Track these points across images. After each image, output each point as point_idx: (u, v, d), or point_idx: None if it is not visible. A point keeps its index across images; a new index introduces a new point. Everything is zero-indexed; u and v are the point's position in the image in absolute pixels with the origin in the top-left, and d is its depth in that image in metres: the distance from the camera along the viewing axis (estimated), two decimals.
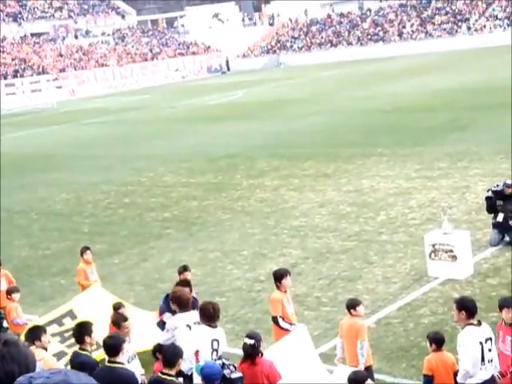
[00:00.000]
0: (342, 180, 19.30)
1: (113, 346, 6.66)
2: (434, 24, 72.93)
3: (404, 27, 74.48)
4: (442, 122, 26.61)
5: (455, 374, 6.98)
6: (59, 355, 8.35)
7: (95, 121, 41.91)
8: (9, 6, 76.54)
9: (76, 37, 78.06)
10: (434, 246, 11.68)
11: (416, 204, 16.10)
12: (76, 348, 7.37)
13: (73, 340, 7.99)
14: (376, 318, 10.36)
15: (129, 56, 75.16)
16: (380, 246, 13.52)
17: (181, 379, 6.82)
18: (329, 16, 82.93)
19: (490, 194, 13.13)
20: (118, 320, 7.72)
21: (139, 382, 6.79)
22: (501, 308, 7.30)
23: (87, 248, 11.61)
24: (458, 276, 11.43)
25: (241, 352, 7.03)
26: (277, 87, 51.02)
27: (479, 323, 6.98)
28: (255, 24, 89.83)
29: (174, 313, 8.10)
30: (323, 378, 7.55)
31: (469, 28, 70.19)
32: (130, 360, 7.30)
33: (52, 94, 61.34)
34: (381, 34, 75.00)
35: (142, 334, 9.10)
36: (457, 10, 72.93)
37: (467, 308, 6.98)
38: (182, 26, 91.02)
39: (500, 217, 12.82)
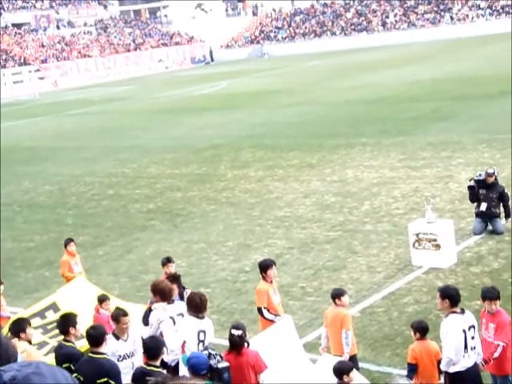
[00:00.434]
0: (326, 170, 19.34)
1: (96, 337, 6.65)
2: (417, 14, 73.10)
3: (387, 17, 74.59)
4: (426, 111, 26.72)
5: (439, 362, 7.04)
6: (41, 344, 8.33)
7: (78, 112, 41.64)
8: None
9: (58, 27, 77.39)
10: (417, 235, 11.75)
11: (400, 194, 16.17)
12: (58, 339, 7.35)
13: (55, 331, 7.97)
14: (360, 308, 10.41)
15: (112, 47, 74.66)
16: (364, 236, 13.58)
17: (165, 371, 6.81)
18: (312, 6, 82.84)
19: (472, 183, 13.21)
20: (118, 315, 7.50)
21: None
22: (483, 299, 7.37)
23: (71, 240, 11.57)
24: (442, 265, 11.51)
25: (226, 342, 7.05)
26: (261, 78, 50.93)
27: (462, 311, 7.04)
28: (239, 14, 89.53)
29: None
30: (307, 368, 7.59)
31: (452, 18, 70.43)
32: (120, 359, 7.16)
33: (34, 85, 60.86)
34: (364, 24, 75.06)
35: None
36: (440, 0, 73.11)
37: (450, 296, 7.04)
38: (165, 16, 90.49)
39: (483, 206, 12.91)
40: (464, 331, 6.93)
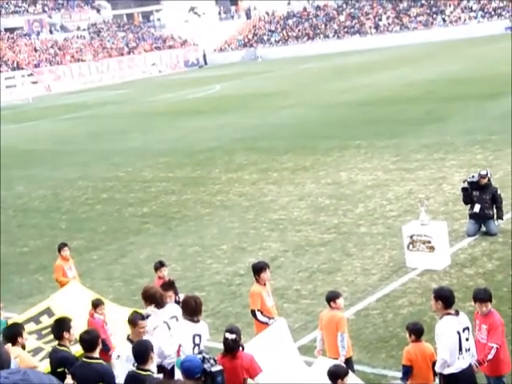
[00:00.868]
0: (320, 173, 19.35)
1: (89, 342, 6.63)
2: (409, 16, 73.31)
3: (380, 20, 74.78)
4: (419, 113, 26.77)
5: (434, 363, 7.05)
6: (36, 350, 8.30)
7: (72, 116, 41.58)
8: None
9: (51, 32, 77.29)
10: (411, 237, 11.77)
11: (394, 196, 16.20)
12: (53, 344, 7.32)
13: (50, 337, 7.94)
14: (355, 310, 10.42)
15: (105, 51, 74.62)
16: (359, 238, 13.59)
17: (161, 375, 6.80)
18: (305, 9, 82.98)
19: (465, 184, 13.23)
20: (135, 318, 7.24)
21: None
22: (475, 300, 7.38)
23: (65, 244, 11.53)
24: (436, 266, 11.53)
25: (221, 346, 7.03)
26: (254, 81, 50.98)
27: (457, 313, 7.05)
28: (232, 17, 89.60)
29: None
30: (302, 371, 7.58)
31: (444, 20, 70.66)
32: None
33: (28, 90, 60.75)
34: (357, 26, 75.23)
35: (122, 330, 9.06)
36: (432, 2, 73.36)
37: (444, 298, 7.05)
38: (158, 20, 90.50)
39: (476, 207, 12.93)
40: (458, 333, 6.93)
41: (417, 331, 7.15)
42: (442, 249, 11.67)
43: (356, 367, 8.16)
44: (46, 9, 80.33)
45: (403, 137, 22.61)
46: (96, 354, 6.63)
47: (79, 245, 15.21)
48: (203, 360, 6.30)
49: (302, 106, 33.47)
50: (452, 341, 6.90)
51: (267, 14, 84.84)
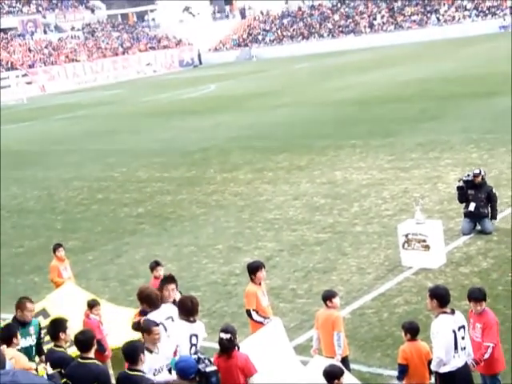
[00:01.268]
0: (315, 172, 19.36)
1: (84, 342, 6.61)
2: (404, 15, 73.42)
3: (374, 19, 74.86)
4: (414, 112, 26.82)
5: (429, 362, 7.06)
6: None
7: (66, 116, 41.51)
8: None
9: (45, 32, 77.14)
10: (407, 236, 11.78)
11: (389, 195, 16.21)
12: (50, 346, 7.29)
13: (46, 338, 7.91)
14: (351, 309, 10.42)
15: (99, 51, 74.51)
16: (354, 238, 13.60)
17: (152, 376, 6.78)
18: (300, 8, 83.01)
19: (461, 183, 13.26)
20: (149, 325, 6.97)
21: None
22: (469, 299, 7.39)
23: (60, 245, 11.50)
24: (431, 265, 11.54)
25: (217, 346, 7.03)
26: (249, 80, 50.98)
27: (453, 311, 7.06)
28: (226, 17, 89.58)
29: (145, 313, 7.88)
30: (298, 370, 7.58)
31: (438, 19, 70.78)
32: (156, 373, 6.79)
33: (22, 90, 60.62)
34: (352, 26, 75.29)
35: (118, 330, 9.06)
36: (426, 1, 73.48)
37: (439, 296, 7.07)
38: (153, 19, 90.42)
39: (471, 206, 12.96)
40: (454, 331, 6.94)
41: (412, 330, 7.15)
42: (437, 247, 11.68)
43: (352, 366, 8.17)
44: (40, 9, 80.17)
45: (398, 136, 22.64)
46: (91, 354, 6.61)
47: (74, 245, 15.19)
48: (198, 360, 6.29)
49: (297, 105, 33.48)
50: (447, 339, 6.91)
51: (262, 13, 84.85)
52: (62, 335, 7.07)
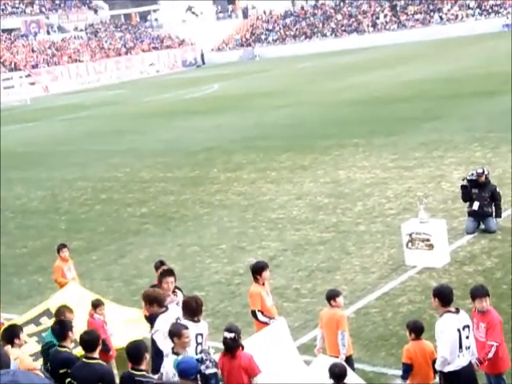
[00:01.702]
0: (318, 171, 19.35)
1: (90, 342, 6.62)
2: (407, 14, 73.32)
3: (377, 18, 74.78)
4: (417, 111, 26.78)
5: (434, 361, 7.05)
6: (37, 355, 8.26)
7: (70, 117, 41.56)
8: None
9: (48, 32, 77.21)
10: (410, 235, 11.77)
11: (392, 194, 16.20)
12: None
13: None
14: (355, 308, 10.42)
15: (102, 51, 74.55)
16: (358, 237, 13.60)
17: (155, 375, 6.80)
18: (302, 8, 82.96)
19: (465, 182, 13.24)
20: (180, 329, 6.87)
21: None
22: (473, 298, 7.38)
23: (64, 245, 11.52)
24: (435, 264, 11.53)
25: (221, 345, 7.03)
26: (252, 80, 50.97)
27: (457, 311, 7.05)
28: (229, 17, 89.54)
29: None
30: (301, 370, 7.58)
31: (441, 18, 70.66)
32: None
33: (25, 91, 60.67)
34: (355, 25, 75.22)
35: (122, 330, 9.06)
36: (429, 0, 73.35)
37: (440, 295, 7.08)
38: (156, 20, 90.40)
39: (475, 205, 12.94)
40: (458, 330, 6.94)
41: (417, 329, 7.15)
42: (441, 247, 11.68)
43: (356, 365, 8.17)
44: (44, 9, 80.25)
45: (401, 135, 22.62)
46: (96, 354, 6.63)
47: (78, 245, 15.20)
48: (201, 361, 6.30)
49: (300, 104, 33.47)
50: (452, 338, 6.90)
51: (265, 13, 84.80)
52: (70, 334, 7.09)
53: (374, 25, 74.03)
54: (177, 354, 6.74)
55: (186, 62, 78.21)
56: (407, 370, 7.11)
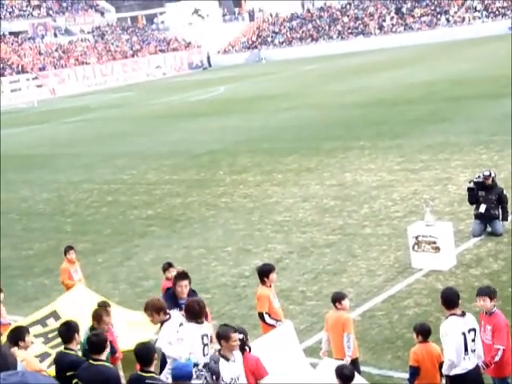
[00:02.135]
0: (324, 174, 19.34)
1: (98, 344, 6.62)
2: (413, 17, 73.24)
3: (384, 20, 74.72)
4: (423, 113, 26.74)
5: (441, 364, 7.02)
6: (43, 356, 8.28)
7: (76, 119, 41.66)
8: None
9: (55, 35, 77.43)
10: (417, 237, 11.74)
11: (399, 196, 16.17)
12: (60, 349, 7.29)
13: (57, 340, 7.91)
14: (361, 311, 10.40)
15: (109, 53, 74.73)
16: (364, 239, 13.57)
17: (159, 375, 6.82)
18: (308, 10, 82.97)
19: (471, 185, 13.21)
20: (227, 332, 6.72)
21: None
22: (478, 299, 7.37)
23: (71, 247, 11.54)
24: (442, 267, 11.50)
25: None
26: (258, 82, 50.99)
27: (463, 314, 7.03)
28: (236, 19, 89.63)
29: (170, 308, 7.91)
30: (307, 373, 7.57)
31: (448, 20, 70.56)
32: (232, 382, 6.57)
33: (32, 93, 60.87)
34: (361, 27, 75.18)
35: (127, 333, 9.07)
36: (436, 3, 73.27)
37: (444, 298, 7.07)
38: (162, 22, 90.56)
39: (482, 207, 12.90)
40: (464, 334, 6.91)
41: (424, 332, 7.13)
42: (447, 249, 11.64)
43: (362, 368, 8.15)
44: (51, 12, 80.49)
45: (407, 137, 22.59)
46: (103, 356, 6.62)
47: (84, 248, 15.22)
48: (204, 366, 6.34)
49: (306, 107, 33.45)
50: (457, 341, 6.87)
51: (271, 15, 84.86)
52: (76, 337, 7.09)
53: (381, 27, 73.96)
54: (224, 357, 6.64)
55: (192, 64, 78.32)
56: (414, 373, 7.09)
